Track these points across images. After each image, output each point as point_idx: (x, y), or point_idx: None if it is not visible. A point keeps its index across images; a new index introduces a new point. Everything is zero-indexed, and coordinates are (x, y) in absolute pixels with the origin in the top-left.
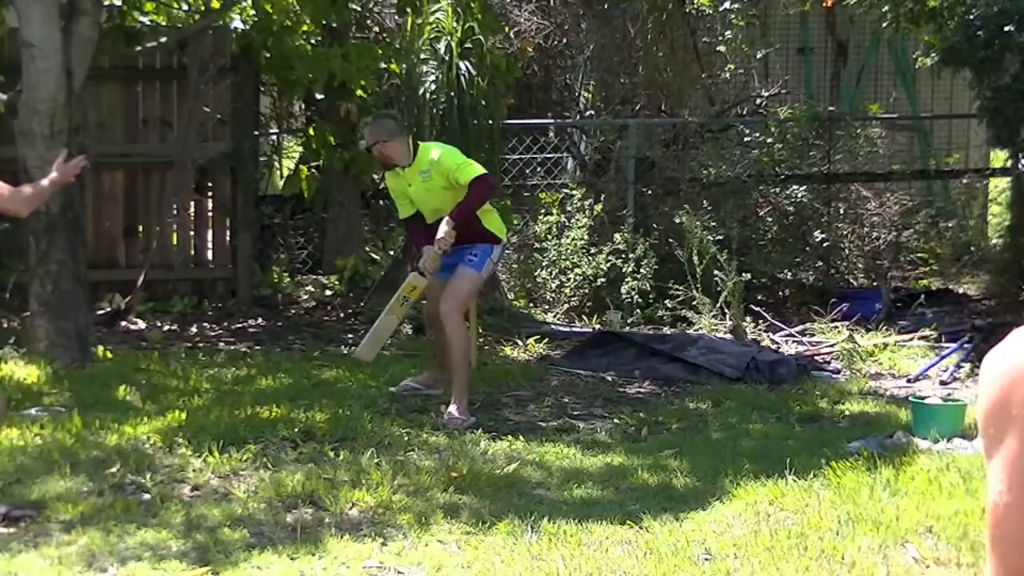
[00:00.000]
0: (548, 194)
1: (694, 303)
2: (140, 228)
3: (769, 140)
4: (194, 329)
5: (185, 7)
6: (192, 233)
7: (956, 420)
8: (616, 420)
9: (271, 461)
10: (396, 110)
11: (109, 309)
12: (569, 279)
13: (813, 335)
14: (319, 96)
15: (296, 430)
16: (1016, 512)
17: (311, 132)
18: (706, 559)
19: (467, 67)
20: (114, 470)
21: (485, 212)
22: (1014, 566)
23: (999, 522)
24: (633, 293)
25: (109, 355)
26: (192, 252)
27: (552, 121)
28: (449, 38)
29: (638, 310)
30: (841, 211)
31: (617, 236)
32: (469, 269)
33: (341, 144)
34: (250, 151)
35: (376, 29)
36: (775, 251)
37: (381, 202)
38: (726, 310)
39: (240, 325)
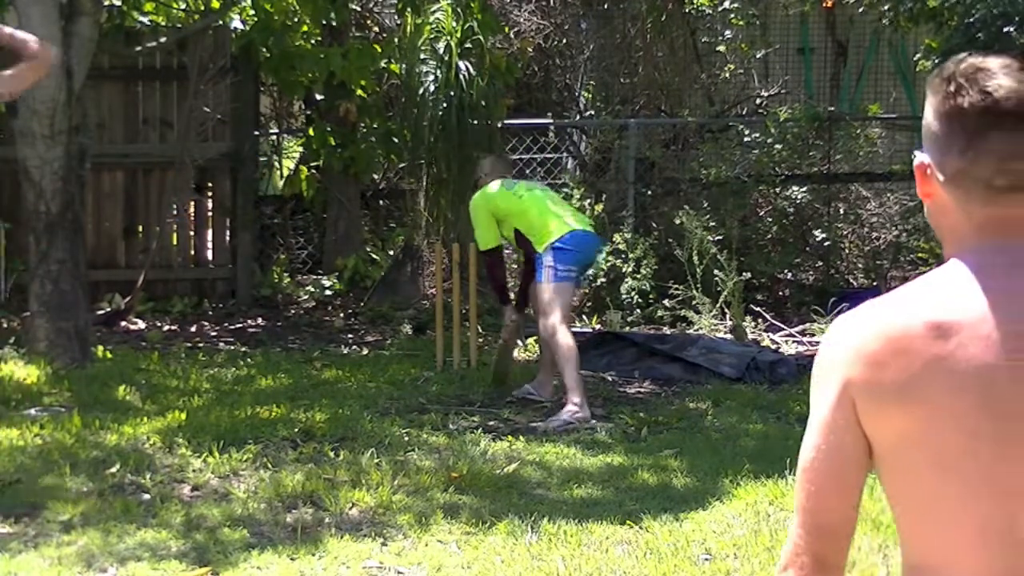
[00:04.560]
0: None
1: (694, 303)
2: (140, 228)
3: (769, 140)
4: (194, 329)
5: (185, 7)
6: (192, 233)
7: None
8: (616, 420)
9: (271, 461)
10: (396, 110)
11: (109, 309)
12: None
13: (813, 335)
14: (319, 96)
15: (296, 430)
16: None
17: (311, 132)
18: (706, 559)
19: (467, 67)
20: (114, 470)
21: (531, 225)
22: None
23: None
24: (633, 293)
25: (109, 355)
26: (192, 252)
27: (552, 121)
28: (449, 38)
29: (638, 310)
30: (841, 211)
31: (617, 236)
32: (539, 283)
33: (341, 144)
34: (250, 151)
35: (376, 29)
36: (775, 251)
37: (381, 202)
38: (726, 310)
39: (240, 325)
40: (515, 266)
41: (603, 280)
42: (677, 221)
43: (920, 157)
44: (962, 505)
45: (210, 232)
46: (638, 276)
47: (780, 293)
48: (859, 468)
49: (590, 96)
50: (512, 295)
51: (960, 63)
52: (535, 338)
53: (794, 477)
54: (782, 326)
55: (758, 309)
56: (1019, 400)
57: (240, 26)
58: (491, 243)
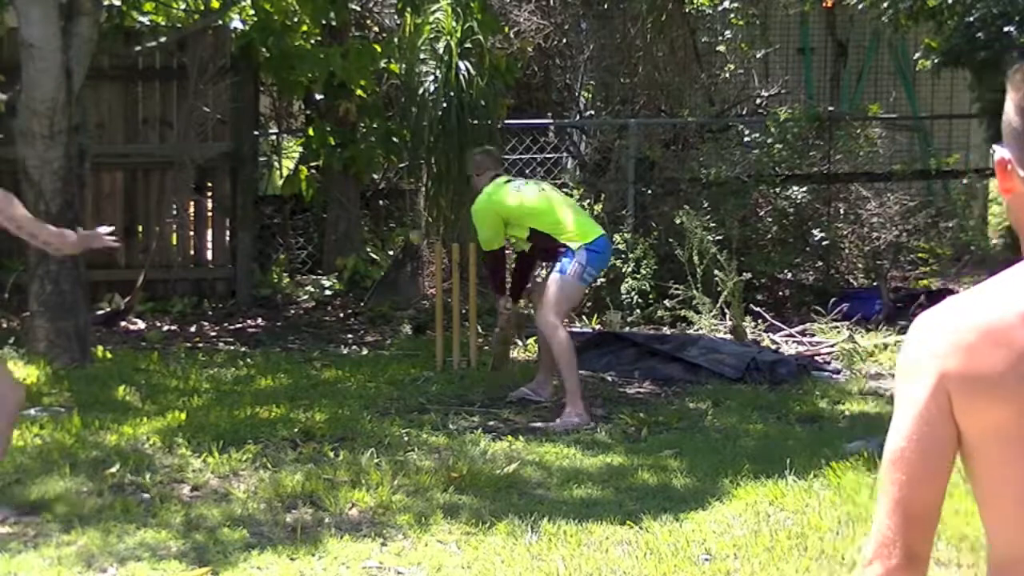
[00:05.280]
0: None
1: (694, 303)
2: (140, 228)
3: (769, 140)
4: (194, 329)
5: (185, 7)
6: (192, 233)
7: None
8: (616, 420)
9: (271, 461)
10: (396, 110)
11: (109, 309)
12: None
13: (813, 335)
14: (319, 96)
15: (296, 430)
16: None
17: (311, 132)
18: (706, 559)
19: (467, 67)
20: (114, 470)
21: (556, 224)
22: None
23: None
24: (633, 293)
25: (109, 355)
26: (192, 252)
27: (552, 121)
28: (449, 38)
29: (638, 310)
30: (841, 211)
31: (617, 236)
32: (555, 274)
33: (341, 144)
34: (250, 151)
35: (376, 29)
36: (775, 251)
37: (381, 202)
38: (726, 310)
39: (240, 325)
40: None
41: (603, 280)
42: (677, 221)
43: (1000, 152)
44: None
45: (210, 232)
46: (638, 276)
47: (780, 293)
48: (950, 459)
49: (590, 96)
50: (507, 288)
51: None
52: (535, 338)
53: (794, 478)
54: (782, 326)
55: (758, 309)
56: None
57: (240, 26)
58: (496, 245)
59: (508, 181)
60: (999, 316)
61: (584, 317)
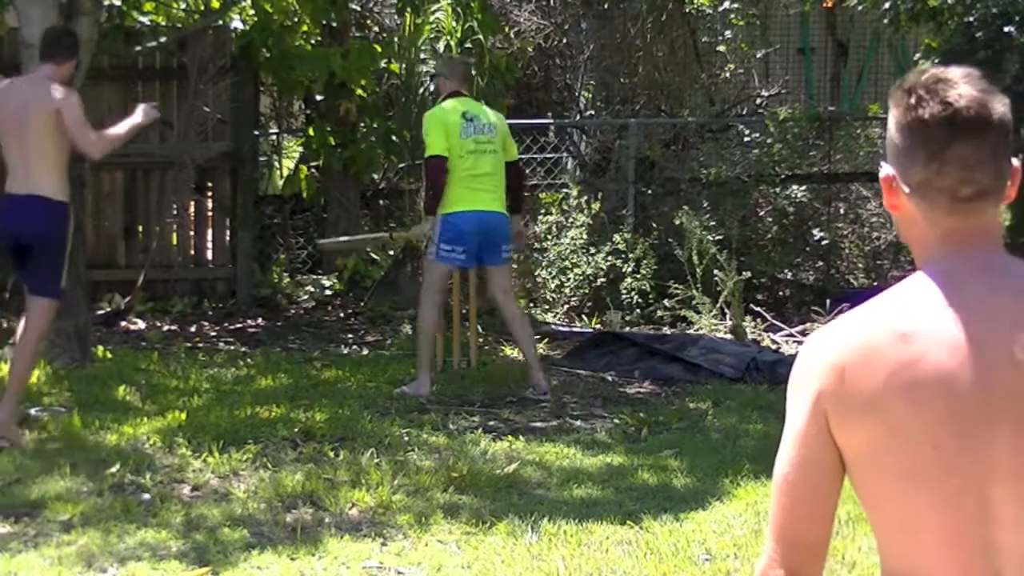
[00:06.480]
0: (548, 194)
1: (694, 303)
2: (140, 228)
3: (769, 140)
4: (194, 329)
5: (185, 7)
6: (192, 233)
7: None
8: (616, 420)
9: (271, 461)
10: (396, 110)
11: (109, 309)
12: (569, 279)
13: None
14: (319, 96)
15: (296, 430)
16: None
17: (311, 132)
18: (706, 559)
19: None
20: (114, 470)
21: (449, 185)
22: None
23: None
24: (633, 293)
25: (109, 355)
26: (192, 252)
27: (552, 121)
28: (449, 38)
29: (638, 310)
30: (841, 211)
31: (617, 236)
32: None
33: (341, 144)
34: (250, 151)
35: (376, 29)
36: (775, 251)
37: (381, 202)
38: (726, 310)
39: (240, 325)
40: None
41: (603, 280)
42: (677, 221)
43: (885, 169)
44: (930, 514)
45: (210, 232)
46: (638, 276)
47: (780, 293)
48: (833, 480)
49: (590, 96)
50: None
51: (921, 74)
52: (535, 337)
53: None
54: (782, 326)
55: (758, 309)
56: (981, 413)
57: (240, 26)
58: (439, 151)
59: (466, 113)
60: (872, 334)
61: (584, 317)
